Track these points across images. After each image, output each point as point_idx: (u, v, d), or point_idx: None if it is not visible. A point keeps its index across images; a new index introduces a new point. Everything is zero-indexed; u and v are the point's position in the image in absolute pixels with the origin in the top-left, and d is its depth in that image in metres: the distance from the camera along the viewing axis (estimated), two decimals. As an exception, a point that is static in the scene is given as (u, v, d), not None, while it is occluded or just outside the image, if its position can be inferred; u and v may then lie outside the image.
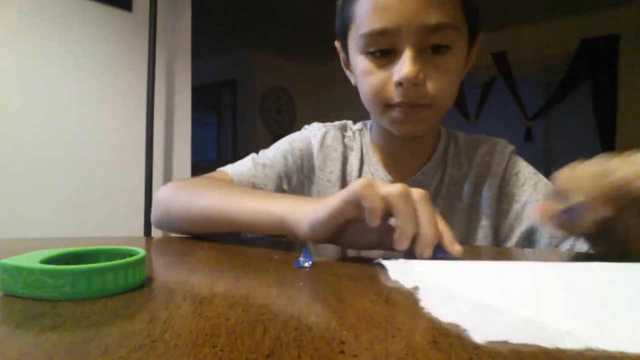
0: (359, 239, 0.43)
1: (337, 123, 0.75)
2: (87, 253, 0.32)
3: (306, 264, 0.37)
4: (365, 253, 0.45)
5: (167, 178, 1.99)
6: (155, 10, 1.87)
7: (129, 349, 0.18)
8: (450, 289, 0.27)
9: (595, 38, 3.87)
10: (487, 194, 0.66)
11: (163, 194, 0.63)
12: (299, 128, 0.77)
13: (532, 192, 0.64)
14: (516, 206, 0.65)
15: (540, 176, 0.66)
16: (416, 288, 0.28)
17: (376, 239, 0.41)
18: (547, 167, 4.25)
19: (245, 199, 0.52)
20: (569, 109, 4.08)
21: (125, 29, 1.85)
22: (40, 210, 1.60)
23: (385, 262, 0.36)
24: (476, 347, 0.18)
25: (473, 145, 0.69)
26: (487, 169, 0.67)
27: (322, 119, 0.79)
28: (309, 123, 0.77)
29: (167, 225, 0.62)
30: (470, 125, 4.52)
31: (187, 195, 0.59)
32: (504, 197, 0.66)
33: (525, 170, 0.66)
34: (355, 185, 0.38)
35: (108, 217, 1.78)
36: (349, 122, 0.76)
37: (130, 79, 1.86)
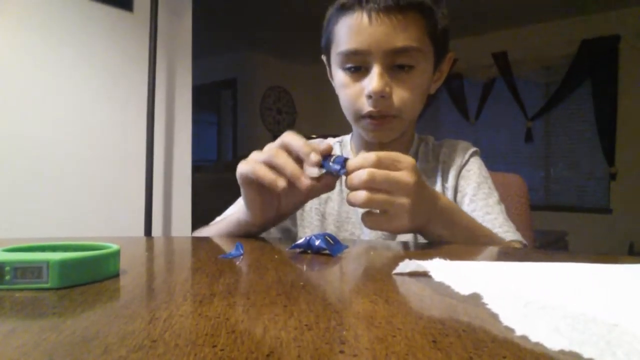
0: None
1: (316, 140, 0.83)
2: (48, 247, 0.34)
3: (233, 254, 0.41)
4: (366, 252, 0.45)
5: (167, 178, 1.99)
6: (156, 10, 1.86)
7: (129, 348, 0.18)
8: (520, 294, 0.25)
9: (595, 39, 3.87)
10: (449, 184, 0.74)
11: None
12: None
13: (474, 189, 0.71)
14: (459, 197, 0.72)
15: (488, 183, 0.73)
16: (477, 294, 0.25)
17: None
18: (547, 167, 4.25)
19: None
20: (569, 109, 4.07)
21: (126, 29, 1.85)
22: (40, 210, 1.60)
23: (423, 263, 0.32)
24: (476, 346, 0.18)
25: (439, 146, 0.78)
26: (450, 164, 0.75)
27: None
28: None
29: None
30: (470, 126, 4.52)
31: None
32: (458, 188, 0.74)
33: (477, 171, 0.73)
34: None
35: (108, 217, 1.78)
36: (329, 138, 0.84)
37: (130, 79, 1.86)
